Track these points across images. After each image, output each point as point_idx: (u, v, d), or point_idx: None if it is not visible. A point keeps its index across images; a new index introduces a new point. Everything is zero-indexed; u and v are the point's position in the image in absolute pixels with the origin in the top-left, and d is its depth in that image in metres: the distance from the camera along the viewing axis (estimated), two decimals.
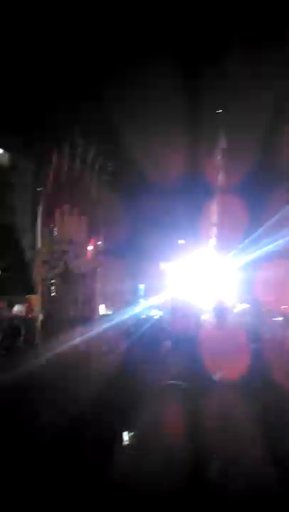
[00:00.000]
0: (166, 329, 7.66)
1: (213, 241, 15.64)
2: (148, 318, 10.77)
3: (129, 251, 13.26)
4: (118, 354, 7.26)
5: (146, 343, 7.20)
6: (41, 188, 12.21)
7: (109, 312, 13.04)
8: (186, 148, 12.78)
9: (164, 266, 15.93)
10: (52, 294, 12.71)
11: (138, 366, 5.73)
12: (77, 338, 8.70)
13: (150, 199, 12.89)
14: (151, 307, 11.76)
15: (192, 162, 13.48)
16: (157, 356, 6.16)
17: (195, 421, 3.53)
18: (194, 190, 14.31)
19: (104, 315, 12.79)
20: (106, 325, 10.70)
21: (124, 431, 4.05)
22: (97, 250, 11.82)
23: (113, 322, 11.23)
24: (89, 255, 11.86)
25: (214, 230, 15.53)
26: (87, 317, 11.75)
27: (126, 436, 4.02)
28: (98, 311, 13.16)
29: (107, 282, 14.28)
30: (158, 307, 10.76)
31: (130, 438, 4.01)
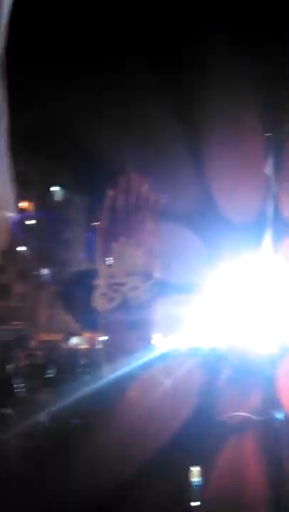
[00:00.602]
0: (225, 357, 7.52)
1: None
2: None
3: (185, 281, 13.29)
4: (175, 382, 7.20)
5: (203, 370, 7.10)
6: (97, 222, 12.50)
7: (166, 341, 13.00)
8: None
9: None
10: (110, 326, 12.81)
11: (197, 395, 5.65)
12: (132, 366, 8.67)
13: (207, 229, 12.96)
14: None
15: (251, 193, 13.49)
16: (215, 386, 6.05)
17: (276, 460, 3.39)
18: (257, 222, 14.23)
19: (161, 344, 12.76)
20: (162, 353, 10.67)
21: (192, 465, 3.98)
22: (154, 281, 11.87)
23: (169, 350, 11.20)
24: (146, 286, 11.93)
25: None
26: (144, 346, 11.77)
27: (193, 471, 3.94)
28: (154, 341, 13.13)
29: (163, 312, 14.24)
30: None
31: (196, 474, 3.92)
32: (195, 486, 3.65)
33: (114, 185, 12.21)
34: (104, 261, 12.15)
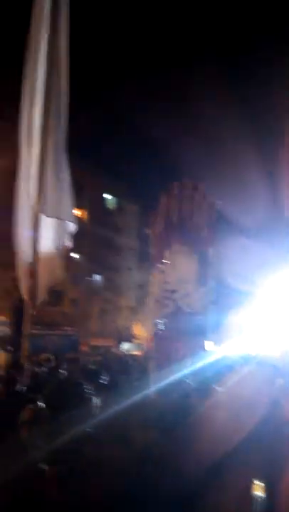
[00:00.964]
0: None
1: None
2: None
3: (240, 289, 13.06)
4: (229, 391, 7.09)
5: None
6: (150, 229, 12.54)
7: (218, 349, 12.83)
8: None
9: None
10: (162, 333, 12.80)
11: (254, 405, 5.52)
12: (185, 374, 8.59)
13: (264, 236, 12.69)
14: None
15: None
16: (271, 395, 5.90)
17: None
18: None
19: (214, 351, 12.60)
20: (215, 360, 10.55)
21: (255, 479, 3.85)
22: (207, 288, 11.77)
23: (219, 358, 11.05)
24: (199, 294, 11.84)
25: None
26: (196, 353, 11.71)
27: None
28: (207, 348, 12.99)
29: (217, 319, 14.05)
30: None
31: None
32: (258, 500, 3.53)
33: (168, 192, 12.23)
34: (158, 268, 12.16)
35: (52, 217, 8.74)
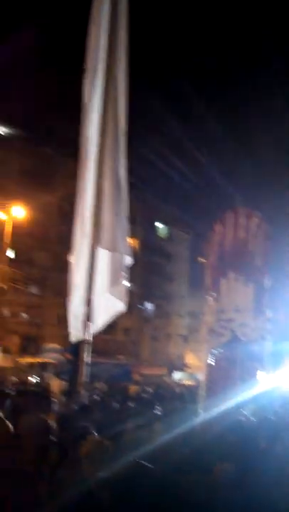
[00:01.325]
0: None
1: None
2: None
3: None
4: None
5: None
6: (204, 258, 12.51)
7: (274, 378, 12.51)
8: None
9: None
10: (218, 362, 12.59)
11: None
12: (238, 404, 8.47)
13: None
14: None
15: None
16: None
17: None
18: None
19: (269, 381, 12.28)
20: (268, 390, 10.39)
21: None
22: (264, 318, 11.54)
23: (275, 388, 10.89)
24: (256, 323, 11.61)
25: None
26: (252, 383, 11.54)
27: None
28: (260, 378, 12.70)
29: (272, 350, 13.74)
30: None
31: None
32: None
33: (222, 221, 12.21)
34: (213, 296, 12.08)
35: (109, 250, 8.89)
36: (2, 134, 38.69)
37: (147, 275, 37.96)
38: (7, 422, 5.64)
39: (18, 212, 29.80)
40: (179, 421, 7.61)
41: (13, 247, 32.54)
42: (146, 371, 28.13)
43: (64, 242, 10.26)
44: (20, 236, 31.08)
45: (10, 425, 5.58)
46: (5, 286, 30.12)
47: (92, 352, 8.97)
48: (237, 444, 5.58)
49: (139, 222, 38.37)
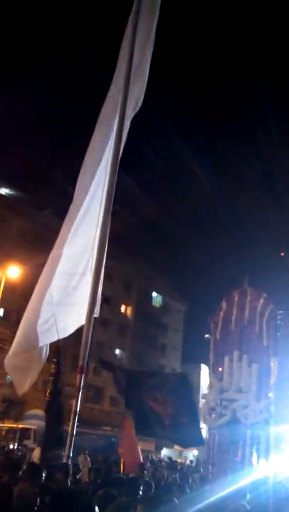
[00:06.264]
0: None
1: None
2: None
3: None
4: None
5: None
6: (209, 334, 12.47)
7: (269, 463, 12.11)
8: None
9: None
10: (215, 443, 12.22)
11: None
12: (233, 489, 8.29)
13: None
14: None
15: None
16: None
17: None
18: None
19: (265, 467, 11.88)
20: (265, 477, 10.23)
21: None
22: (267, 402, 11.19)
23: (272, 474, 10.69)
24: (259, 406, 11.26)
25: None
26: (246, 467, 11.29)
27: None
28: (256, 462, 12.28)
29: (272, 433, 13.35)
30: None
31: None
32: None
33: (229, 298, 12.30)
34: (216, 375, 11.93)
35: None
36: (4, 194, 39.48)
37: (139, 344, 37.52)
38: None
39: (13, 271, 29.90)
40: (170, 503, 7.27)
41: (3, 306, 32.28)
42: None
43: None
44: (13, 296, 30.96)
45: None
46: None
47: (78, 421, 8.81)
48: None
49: (134, 289, 38.43)
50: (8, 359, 9.62)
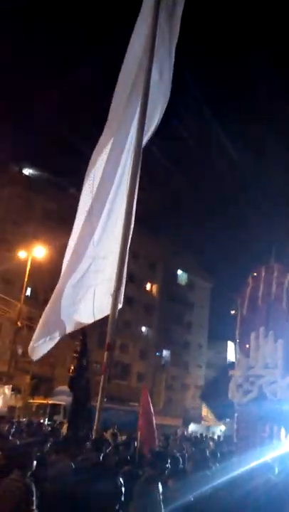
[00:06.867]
0: None
1: None
2: None
3: None
4: None
5: None
6: (235, 311, 12.40)
7: None
8: None
9: None
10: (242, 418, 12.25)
11: None
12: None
13: None
14: None
15: None
16: None
17: None
18: None
19: None
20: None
21: None
22: None
23: None
24: (285, 381, 11.23)
25: None
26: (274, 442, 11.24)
27: None
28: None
29: None
30: None
31: None
32: None
33: (256, 275, 12.17)
34: (243, 351, 11.90)
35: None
36: (28, 175, 39.57)
37: (165, 321, 37.62)
38: None
39: (39, 252, 30.13)
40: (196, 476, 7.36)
41: (31, 286, 32.61)
42: (160, 421, 27.40)
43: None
44: (40, 275, 31.27)
45: None
46: (20, 325, 30.08)
47: (106, 397, 8.86)
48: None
49: (160, 268, 38.45)
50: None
